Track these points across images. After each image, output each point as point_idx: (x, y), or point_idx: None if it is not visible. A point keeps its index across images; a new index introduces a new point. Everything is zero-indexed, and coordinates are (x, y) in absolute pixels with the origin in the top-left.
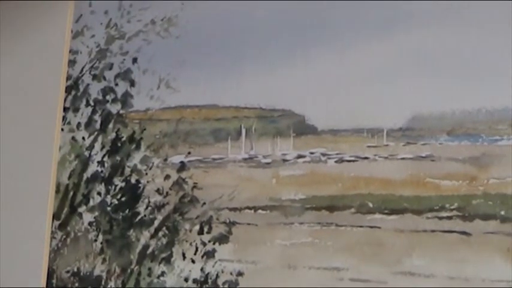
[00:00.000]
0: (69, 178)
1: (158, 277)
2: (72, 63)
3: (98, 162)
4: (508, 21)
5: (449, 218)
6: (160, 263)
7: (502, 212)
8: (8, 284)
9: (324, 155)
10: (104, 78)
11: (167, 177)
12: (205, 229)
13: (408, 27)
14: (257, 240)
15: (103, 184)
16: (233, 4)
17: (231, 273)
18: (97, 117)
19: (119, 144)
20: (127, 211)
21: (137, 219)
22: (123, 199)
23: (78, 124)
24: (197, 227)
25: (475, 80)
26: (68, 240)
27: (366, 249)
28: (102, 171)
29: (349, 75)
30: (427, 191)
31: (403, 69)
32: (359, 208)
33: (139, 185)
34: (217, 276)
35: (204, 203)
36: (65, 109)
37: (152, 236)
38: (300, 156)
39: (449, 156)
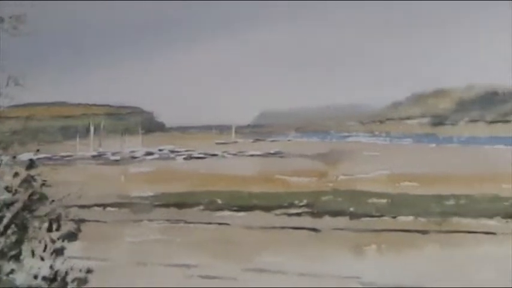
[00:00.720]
0: None
1: (7, 274)
2: None
3: None
4: (360, 20)
5: (299, 214)
6: (9, 260)
7: (352, 209)
8: None
9: (172, 152)
10: None
11: (16, 174)
12: (55, 226)
13: (255, 25)
14: (106, 238)
15: None
16: (85, 4)
17: (80, 270)
18: None
19: None
20: None
21: None
22: None
23: None
24: (46, 225)
25: (324, 77)
26: None
27: (215, 246)
28: None
29: (197, 72)
30: (276, 188)
31: (252, 67)
32: (208, 205)
33: None
34: (66, 273)
35: (53, 201)
36: None
37: (1, 234)
38: (148, 153)
39: (299, 152)
